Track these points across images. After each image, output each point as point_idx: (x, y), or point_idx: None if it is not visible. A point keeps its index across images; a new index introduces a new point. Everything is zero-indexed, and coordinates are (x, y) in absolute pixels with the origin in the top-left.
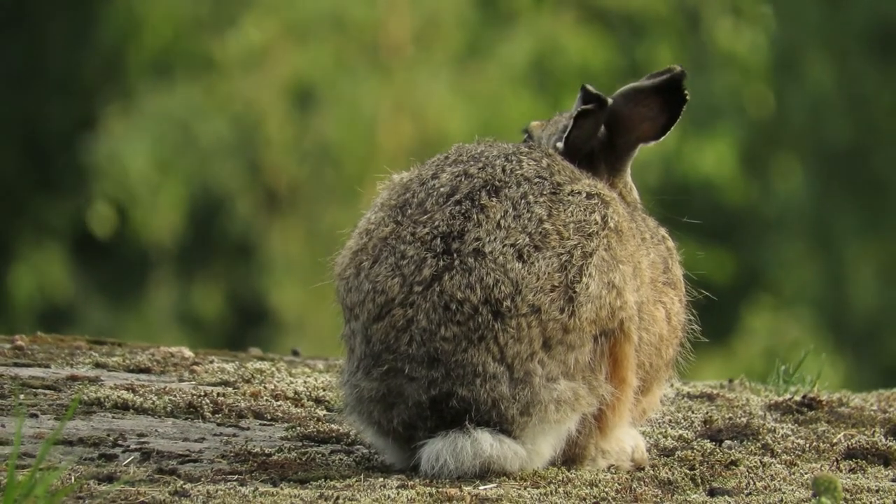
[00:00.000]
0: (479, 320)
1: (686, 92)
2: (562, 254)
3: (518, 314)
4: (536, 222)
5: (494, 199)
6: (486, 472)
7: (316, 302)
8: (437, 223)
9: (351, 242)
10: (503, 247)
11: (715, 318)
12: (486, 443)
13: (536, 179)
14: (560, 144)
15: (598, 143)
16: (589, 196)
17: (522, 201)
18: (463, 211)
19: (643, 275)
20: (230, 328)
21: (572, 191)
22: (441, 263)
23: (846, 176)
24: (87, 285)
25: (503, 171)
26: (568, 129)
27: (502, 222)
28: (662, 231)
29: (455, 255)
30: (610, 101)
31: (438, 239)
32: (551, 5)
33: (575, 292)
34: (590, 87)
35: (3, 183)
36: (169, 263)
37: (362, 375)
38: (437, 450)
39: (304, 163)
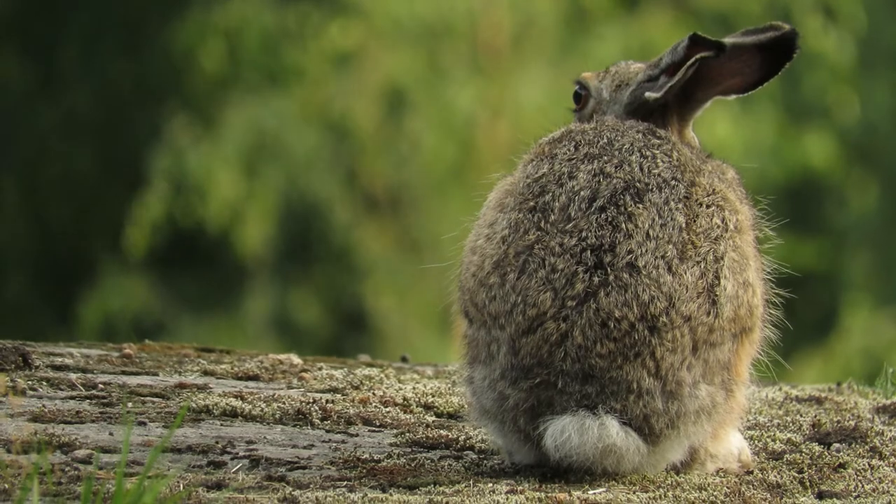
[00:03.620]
0: (636, 336)
1: (797, 51)
2: (700, 261)
3: (673, 327)
4: (678, 231)
5: (640, 207)
6: (605, 459)
7: (416, 308)
8: (584, 234)
9: (483, 243)
10: (654, 259)
11: (813, 316)
12: (614, 429)
13: (673, 181)
14: (657, 95)
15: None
16: (709, 194)
17: (665, 208)
18: (609, 219)
19: (758, 262)
20: (329, 336)
21: (700, 191)
22: (595, 279)
23: None
24: (180, 298)
25: (641, 169)
26: (677, 80)
27: (651, 232)
28: (731, 171)
29: (609, 270)
30: (728, 45)
31: (589, 251)
32: (646, 5)
33: (716, 295)
34: (701, 34)
35: (88, 192)
36: (264, 273)
37: (508, 384)
38: (564, 424)
39: (401, 168)
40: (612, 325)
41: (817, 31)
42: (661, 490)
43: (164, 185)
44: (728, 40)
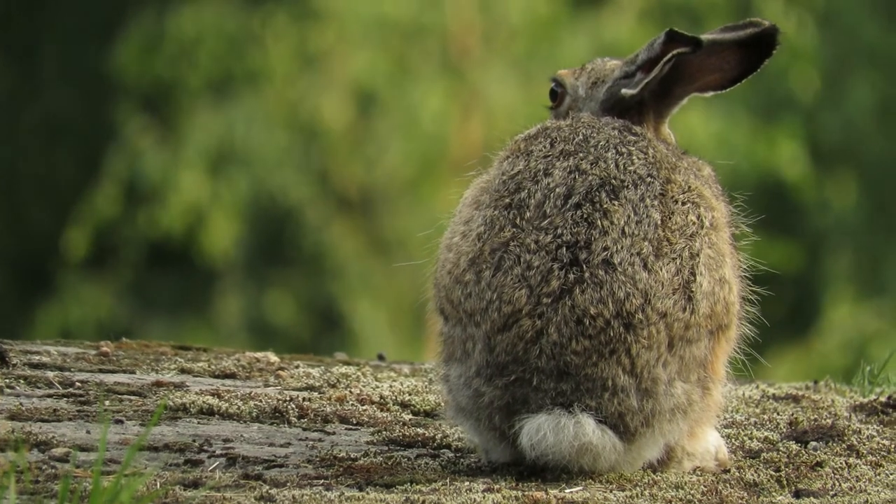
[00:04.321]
0: (611, 333)
1: (776, 47)
2: (675, 258)
3: (649, 324)
4: (654, 228)
5: (616, 204)
6: (581, 457)
7: (389, 307)
8: (559, 230)
9: (458, 241)
10: (630, 256)
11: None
12: (590, 427)
13: (648, 178)
14: (633, 91)
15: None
16: (684, 191)
17: (641, 205)
18: (585, 216)
19: (734, 259)
20: (303, 336)
21: (676, 188)
22: (571, 276)
23: None
24: (148, 303)
25: (617, 166)
26: (653, 76)
27: (626, 229)
28: (707, 168)
29: (584, 267)
30: (705, 41)
31: (564, 248)
32: (614, 2)
33: (692, 291)
34: (678, 30)
35: (61, 193)
36: (236, 275)
37: (483, 382)
38: (540, 423)
39: (372, 168)
40: (587, 322)
41: (776, 16)
42: (637, 488)
43: (115, 188)
44: (705, 36)
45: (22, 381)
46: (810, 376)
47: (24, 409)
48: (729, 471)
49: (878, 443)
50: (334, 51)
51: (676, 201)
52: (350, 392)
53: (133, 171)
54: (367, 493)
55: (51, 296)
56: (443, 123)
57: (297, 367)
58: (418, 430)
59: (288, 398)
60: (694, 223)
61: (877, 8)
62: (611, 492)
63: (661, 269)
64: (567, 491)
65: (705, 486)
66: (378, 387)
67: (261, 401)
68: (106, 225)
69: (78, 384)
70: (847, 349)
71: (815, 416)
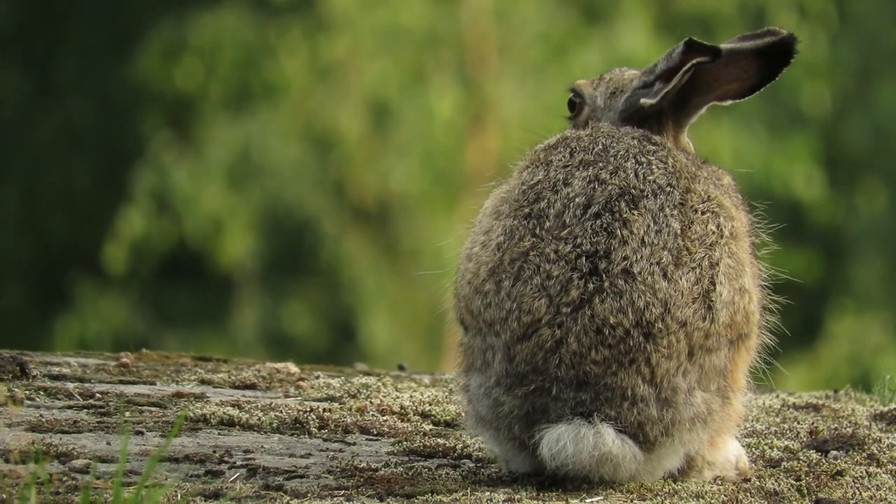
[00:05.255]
0: (631, 343)
1: (794, 55)
2: (695, 267)
3: (668, 333)
4: (673, 237)
5: (636, 213)
6: (602, 467)
7: (406, 318)
8: (579, 240)
9: (479, 251)
10: (650, 265)
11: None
12: (609, 437)
13: (668, 188)
14: (652, 101)
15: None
16: (704, 200)
17: (661, 214)
18: (604, 225)
19: (754, 269)
20: (320, 347)
21: (695, 197)
22: (591, 286)
23: None
24: (168, 312)
25: (636, 176)
26: (672, 86)
27: (646, 238)
28: (727, 178)
29: (604, 276)
30: (724, 51)
31: (584, 258)
32: (626, 12)
33: (712, 301)
34: (697, 39)
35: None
36: (253, 286)
37: (503, 391)
38: (560, 433)
39: (388, 178)
40: (606, 332)
41: (791, 28)
42: (658, 498)
43: (145, 202)
44: (724, 46)
45: (42, 393)
46: (819, 386)
47: (44, 420)
48: (749, 480)
49: None
50: (349, 62)
51: (696, 211)
52: (370, 402)
53: (160, 186)
54: (388, 503)
55: (68, 308)
56: (457, 134)
57: (317, 377)
58: (439, 440)
59: (308, 409)
60: (713, 232)
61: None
62: (631, 501)
63: (681, 279)
64: (587, 501)
65: (726, 496)
66: (398, 397)
67: (281, 411)
68: (141, 241)
69: (98, 395)
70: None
71: (836, 425)
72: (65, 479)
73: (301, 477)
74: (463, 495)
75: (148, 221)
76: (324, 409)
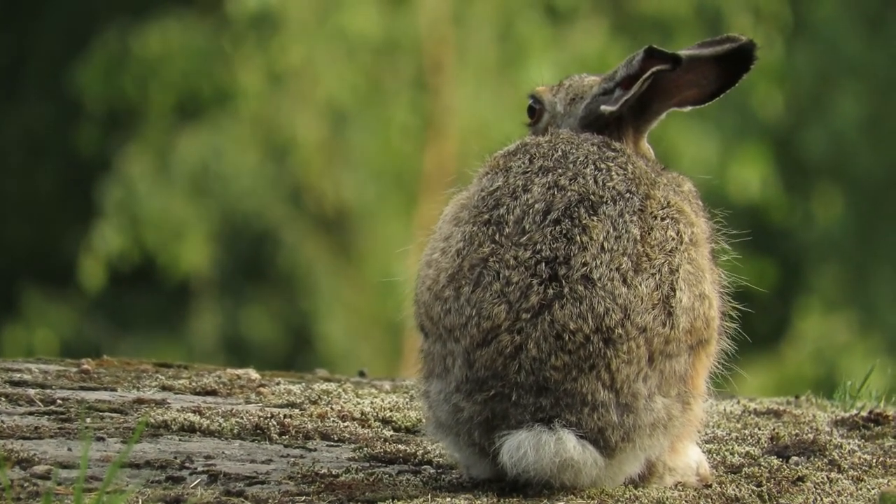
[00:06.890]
0: (591, 348)
1: (754, 62)
2: (655, 273)
3: (628, 338)
4: (633, 243)
5: (595, 219)
6: (563, 473)
7: (364, 325)
8: (538, 246)
9: (438, 257)
10: (609, 271)
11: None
12: (570, 443)
13: (627, 194)
14: (613, 108)
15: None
16: (663, 207)
17: (620, 220)
18: (564, 231)
19: (714, 275)
20: (280, 354)
21: (655, 204)
22: (550, 292)
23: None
24: (122, 319)
25: (596, 182)
26: (633, 93)
27: (605, 244)
28: (688, 184)
29: (564, 282)
30: (685, 58)
31: (543, 264)
32: (585, 15)
33: (672, 306)
34: (657, 47)
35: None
36: (213, 293)
37: (463, 397)
38: (521, 440)
39: (346, 185)
40: (566, 338)
41: (745, 29)
42: (619, 503)
43: (116, 218)
44: (684, 52)
45: (3, 399)
46: (782, 388)
47: (5, 426)
48: (710, 486)
49: (860, 457)
50: (305, 69)
51: (656, 217)
52: (331, 408)
53: (127, 199)
54: None
55: (14, 317)
56: (415, 140)
57: (277, 383)
58: (400, 446)
59: (269, 415)
60: (673, 239)
61: (856, 21)
62: None
63: (641, 285)
64: None
65: (687, 501)
66: (359, 403)
67: (242, 418)
68: (115, 256)
69: (59, 401)
70: (818, 360)
71: (797, 430)
72: (26, 484)
73: (262, 483)
74: (424, 501)
75: (122, 237)
76: (285, 416)
